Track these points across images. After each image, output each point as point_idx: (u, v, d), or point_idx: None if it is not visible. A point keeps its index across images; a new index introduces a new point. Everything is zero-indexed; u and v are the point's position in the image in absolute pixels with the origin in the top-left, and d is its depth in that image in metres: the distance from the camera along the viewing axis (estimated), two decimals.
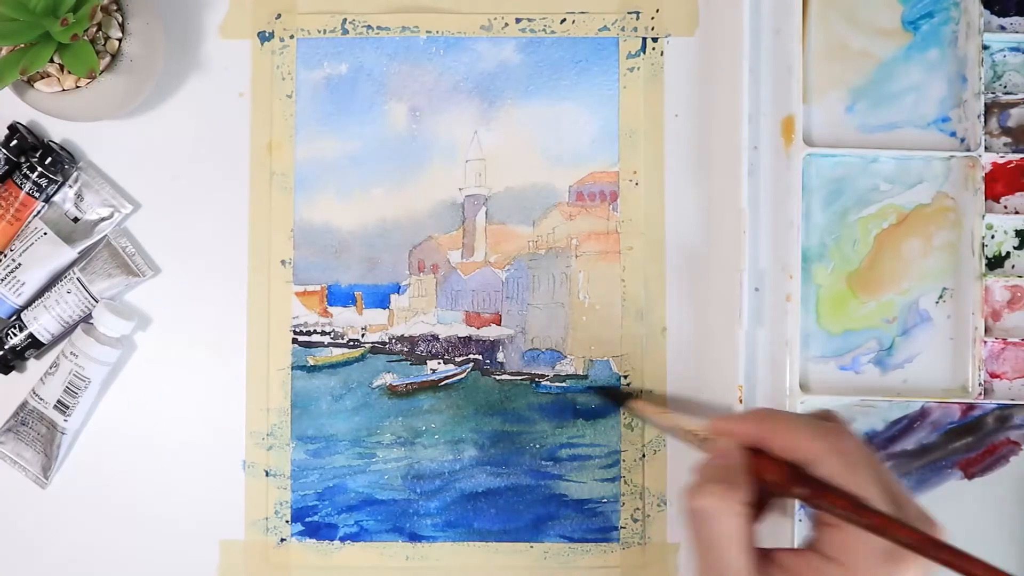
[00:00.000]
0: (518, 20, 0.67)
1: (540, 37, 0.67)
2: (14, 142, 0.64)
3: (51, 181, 0.64)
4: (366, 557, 0.66)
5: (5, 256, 0.64)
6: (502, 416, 0.66)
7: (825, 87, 0.66)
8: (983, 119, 0.64)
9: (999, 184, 0.65)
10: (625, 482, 0.66)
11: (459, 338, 0.67)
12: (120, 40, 0.59)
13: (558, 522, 0.66)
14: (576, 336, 0.67)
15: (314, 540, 0.66)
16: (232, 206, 0.67)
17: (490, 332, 0.67)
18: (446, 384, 0.66)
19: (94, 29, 0.58)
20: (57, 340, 0.66)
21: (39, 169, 0.64)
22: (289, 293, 0.67)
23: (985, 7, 0.65)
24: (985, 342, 0.64)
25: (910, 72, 0.66)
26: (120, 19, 0.59)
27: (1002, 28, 0.66)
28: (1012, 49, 0.66)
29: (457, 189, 0.67)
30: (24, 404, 0.65)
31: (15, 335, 0.64)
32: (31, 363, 0.67)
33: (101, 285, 0.65)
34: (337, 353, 0.67)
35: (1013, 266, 0.66)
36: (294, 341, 0.66)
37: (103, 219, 0.65)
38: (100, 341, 0.63)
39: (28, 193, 0.64)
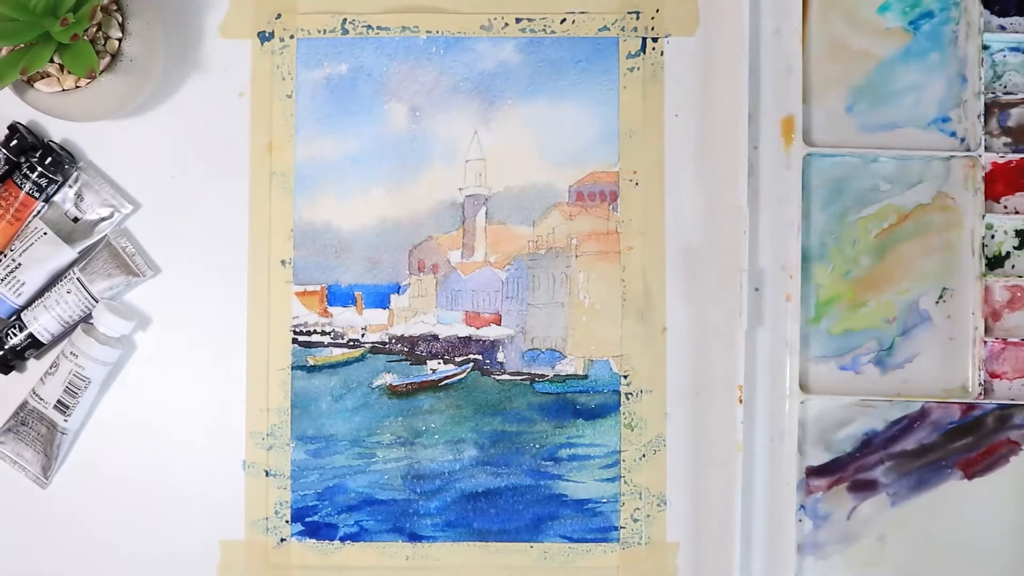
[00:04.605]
0: (518, 20, 0.67)
1: (540, 37, 0.67)
2: (14, 142, 0.64)
3: (51, 181, 0.64)
4: (366, 557, 0.66)
5: (5, 256, 0.64)
6: (502, 416, 0.66)
7: (825, 87, 0.66)
8: (983, 119, 0.64)
9: (999, 184, 0.65)
10: (625, 482, 0.66)
11: (459, 338, 0.67)
12: (120, 40, 0.59)
13: (558, 522, 0.66)
14: (576, 336, 0.67)
15: (314, 540, 0.66)
16: (232, 206, 0.67)
17: (490, 332, 0.67)
18: (446, 384, 0.66)
19: (94, 29, 0.58)
20: (57, 340, 0.66)
21: (39, 169, 0.64)
22: (289, 293, 0.67)
23: (985, 7, 0.65)
24: (985, 342, 0.64)
25: (910, 72, 0.66)
26: (120, 19, 0.59)
27: (1002, 28, 0.66)
28: (1012, 49, 0.66)
29: (457, 189, 0.67)
30: (24, 404, 0.64)
31: (15, 335, 0.64)
32: (31, 363, 0.67)
33: (101, 285, 0.65)
34: (337, 353, 0.67)
35: (1013, 266, 0.66)
36: (294, 341, 0.66)
37: (103, 219, 0.65)
38: (100, 341, 0.63)
39: (28, 193, 0.64)
